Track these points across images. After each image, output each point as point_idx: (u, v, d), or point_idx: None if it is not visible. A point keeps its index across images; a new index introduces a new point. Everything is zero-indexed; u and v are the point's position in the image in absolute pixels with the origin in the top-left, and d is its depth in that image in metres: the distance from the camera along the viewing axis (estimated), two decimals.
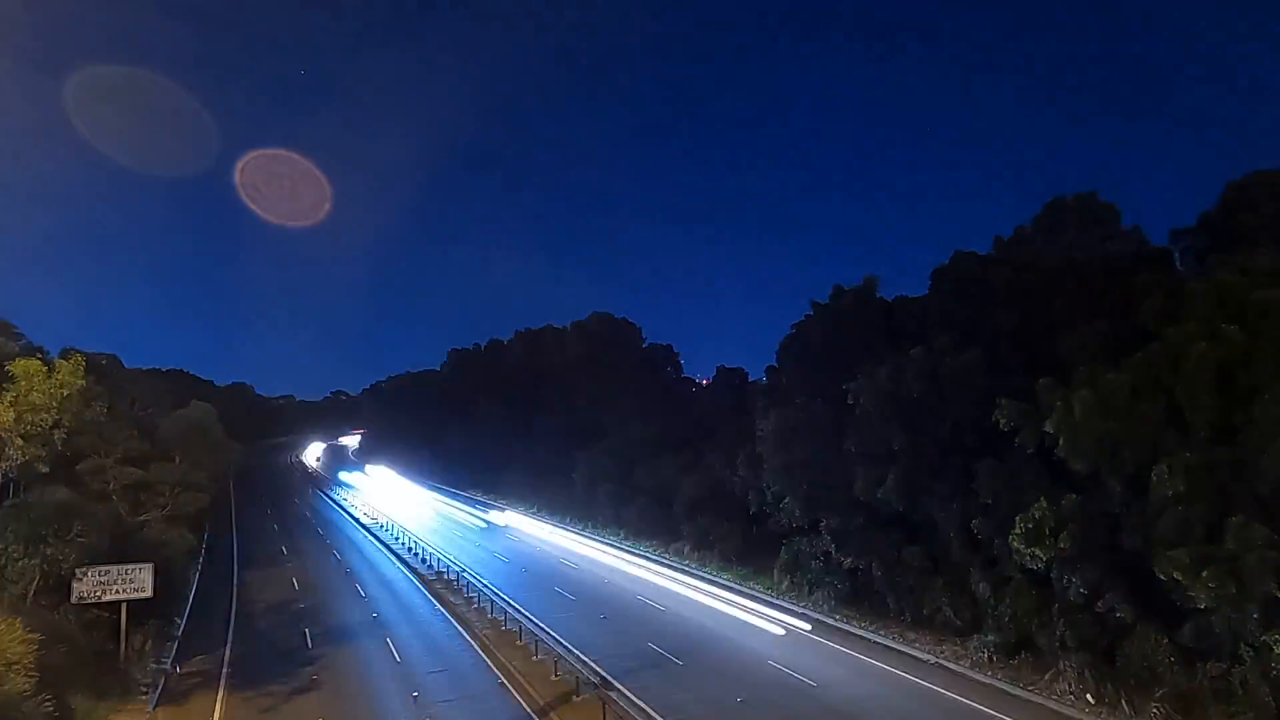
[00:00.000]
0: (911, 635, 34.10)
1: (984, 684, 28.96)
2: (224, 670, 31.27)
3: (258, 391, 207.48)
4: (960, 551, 33.05)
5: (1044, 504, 27.67)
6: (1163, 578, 24.49)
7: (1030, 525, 27.67)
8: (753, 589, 43.35)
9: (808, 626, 36.04)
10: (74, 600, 30.21)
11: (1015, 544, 28.04)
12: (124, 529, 38.01)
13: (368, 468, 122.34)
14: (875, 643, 33.93)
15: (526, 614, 36.65)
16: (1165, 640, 25.40)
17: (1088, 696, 26.56)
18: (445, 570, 48.29)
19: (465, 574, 45.72)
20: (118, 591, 30.83)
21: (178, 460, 50.31)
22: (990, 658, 30.33)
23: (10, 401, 32.63)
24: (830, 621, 36.87)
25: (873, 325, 43.68)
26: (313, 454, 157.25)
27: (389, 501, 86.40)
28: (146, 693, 28.13)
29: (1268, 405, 23.77)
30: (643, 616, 38.73)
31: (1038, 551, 27.47)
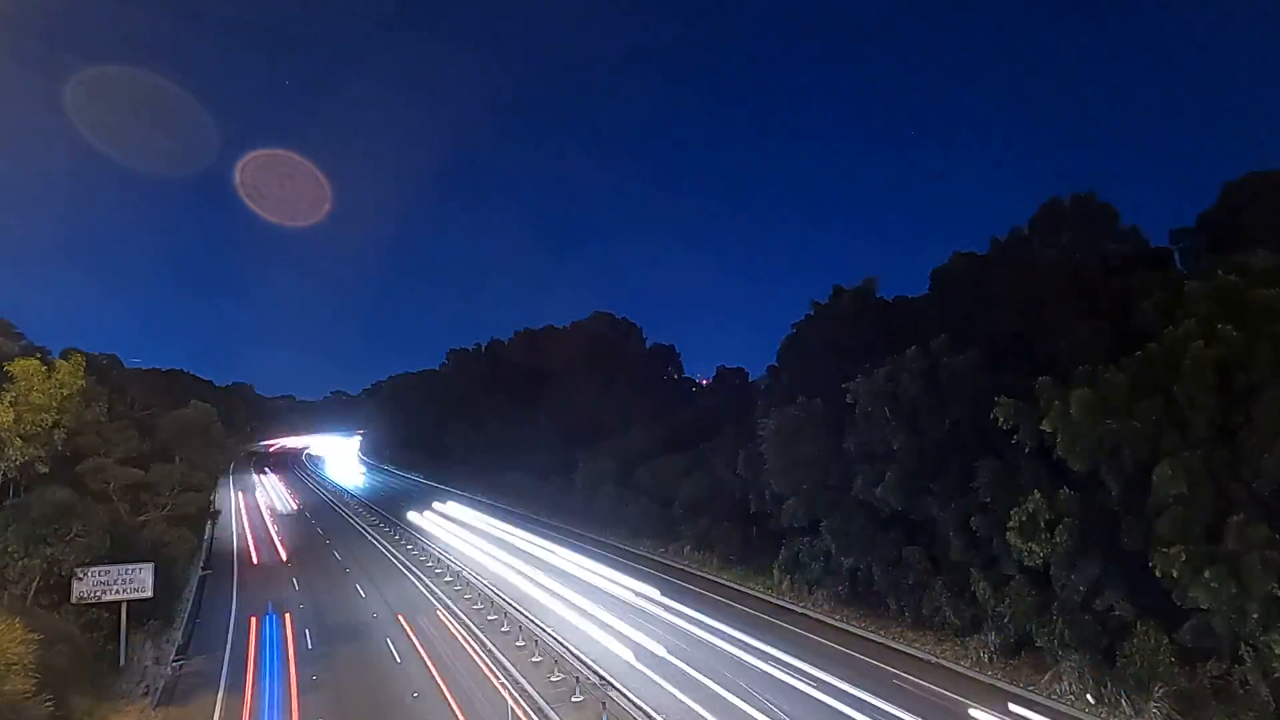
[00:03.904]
0: (911, 635, 34.13)
1: (985, 683, 28.98)
2: (224, 670, 31.32)
3: (258, 391, 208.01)
4: (960, 551, 33.03)
5: (1038, 496, 27.67)
6: (1161, 577, 24.49)
7: (1025, 518, 27.68)
8: (752, 589, 43.52)
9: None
10: (74, 600, 30.22)
11: (1011, 539, 28.05)
12: (124, 529, 37.97)
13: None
14: None
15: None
16: (1165, 640, 25.37)
17: (1088, 696, 26.55)
18: None
19: None
20: (118, 591, 30.85)
21: (178, 460, 50.34)
22: (990, 657, 30.34)
23: (10, 401, 32.66)
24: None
25: (872, 325, 43.71)
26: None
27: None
28: (146, 693, 28.16)
29: (1267, 405, 23.77)
30: None
31: (1034, 547, 27.46)
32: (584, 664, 30.76)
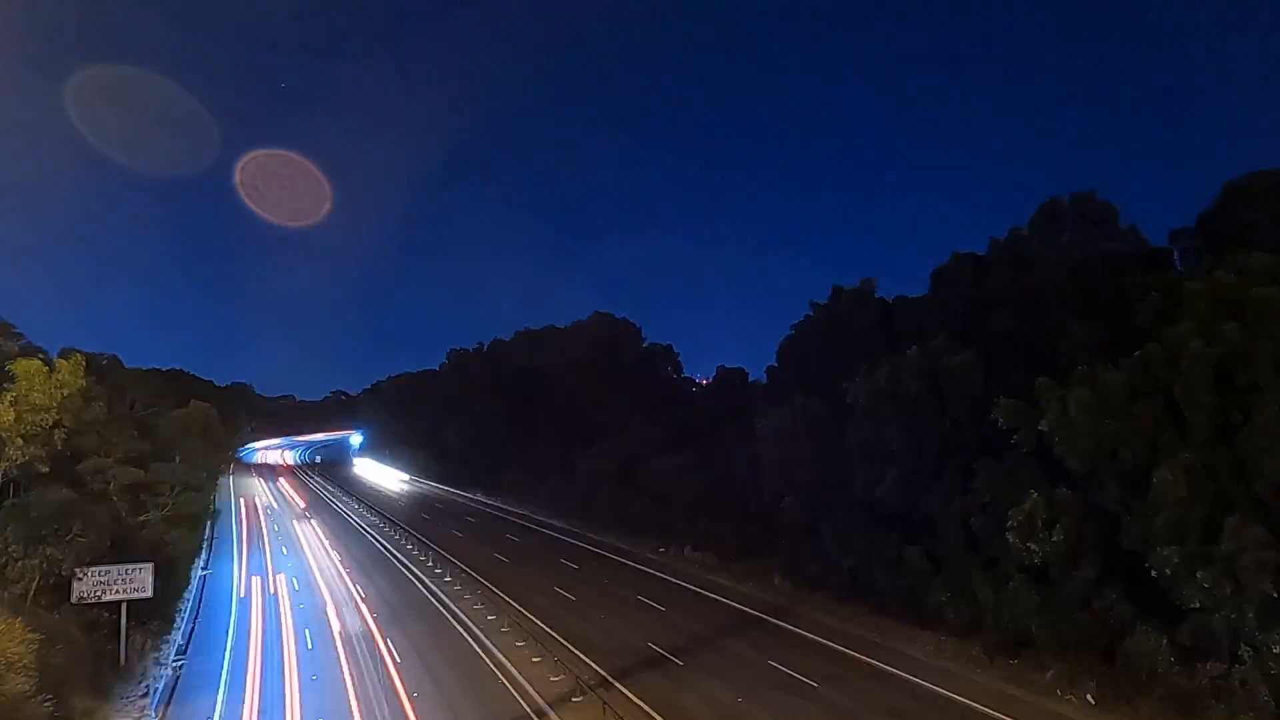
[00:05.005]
0: (911, 635, 34.09)
1: (983, 683, 28.97)
2: (224, 670, 31.34)
3: (258, 391, 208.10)
4: (960, 550, 33.04)
5: (1036, 496, 27.70)
6: (1158, 577, 24.51)
7: (1023, 518, 27.71)
8: (751, 588, 43.54)
9: None
10: (74, 600, 30.22)
11: (1010, 538, 28.08)
12: (124, 529, 38.01)
13: None
14: None
15: None
16: (1164, 640, 25.37)
17: (1088, 696, 26.56)
18: None
19: None
20: (118, 591, 30.85)
21: (178, 460, 50.39)
22: (990, 657, 30.32)
23: (10, 401, 32.68)
24: None
25: (872, 325, 43.76)
26: None
27: None
28: (146, 693, 28.17)
29: (1266, 405, 23.77)
30: None
31: (1033, 546, 27.47)
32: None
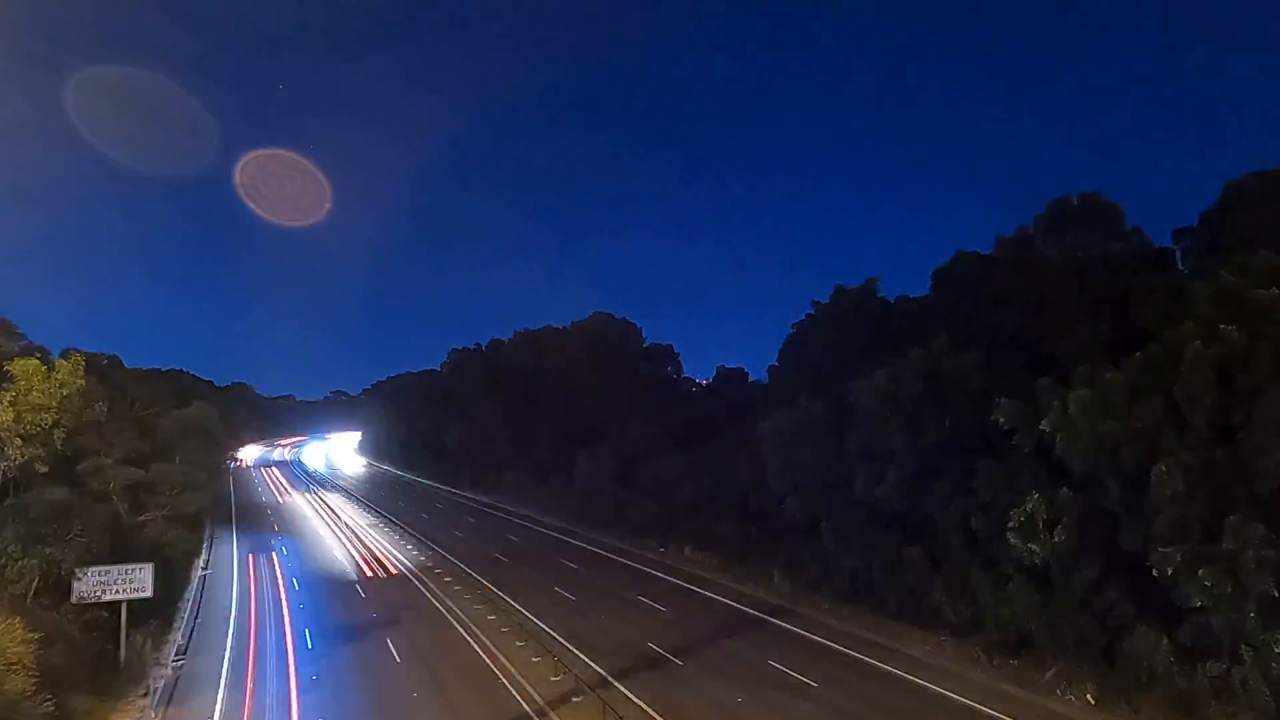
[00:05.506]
0: (911, 635, 34.06)
1: (983, 683, 28.93)
2: (224, 670, 31.30)
3: (258, 391, 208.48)
4: (960, 550, 33.00)
5: (1037, 496, 27.69)
6: (1159, 576, 24.47)
7: (1024, 519, 27.70)
8: (751, 588, 43.49)
9: None
10: (74, 600, 30.21)
11: (1011, 539, 28.05)
12: (124, 529, 38.00)
13: None
14: None
15: None
16: (1165, 640, 25.33)
17: (1088, 696, 26.53)
18: None
19: None
20: (118, 591, 30.82)
21: (178, 460, 50.39)
22: (990, 657, 30.29)
23: (10, 401, 32.67)
24: None
25: (873, 325, 43.73)
26: None
27: None
28: (146, 693, 28.15)
29: (1266, 405, 23.73)
30: None
31: (1034, 547, 27.46)
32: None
